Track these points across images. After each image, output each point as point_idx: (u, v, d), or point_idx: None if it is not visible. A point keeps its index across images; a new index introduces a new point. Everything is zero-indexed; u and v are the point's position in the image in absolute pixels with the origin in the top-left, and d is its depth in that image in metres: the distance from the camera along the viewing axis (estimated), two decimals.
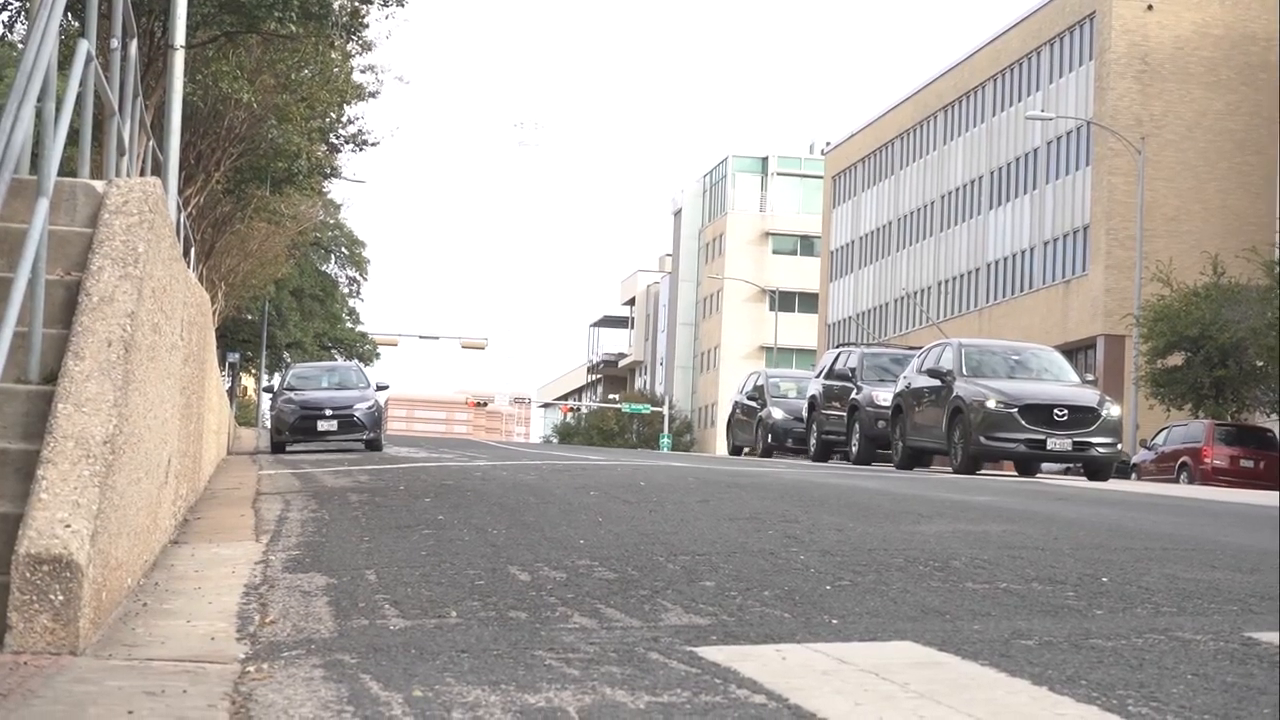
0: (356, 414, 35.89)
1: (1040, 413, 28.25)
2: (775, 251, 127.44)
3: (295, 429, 35.95)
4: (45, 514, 6.52)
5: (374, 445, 35.37)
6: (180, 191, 26.52)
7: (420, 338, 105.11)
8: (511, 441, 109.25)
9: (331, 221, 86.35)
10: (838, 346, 41.39)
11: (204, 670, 6.18)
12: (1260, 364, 49.36)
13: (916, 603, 7.98)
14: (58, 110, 8.68)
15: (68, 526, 6.46)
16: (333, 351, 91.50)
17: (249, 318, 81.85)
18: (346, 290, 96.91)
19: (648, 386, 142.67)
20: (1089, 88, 73.85)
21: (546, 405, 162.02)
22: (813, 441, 37.74)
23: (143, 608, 7.79)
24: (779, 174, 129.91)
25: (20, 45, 27.32)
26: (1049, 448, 28.35)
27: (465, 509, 13.27)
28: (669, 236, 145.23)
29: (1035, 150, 79.50)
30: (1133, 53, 71.64)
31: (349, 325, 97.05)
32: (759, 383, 44.17)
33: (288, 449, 35.64)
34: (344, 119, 42.30)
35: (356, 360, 79.52)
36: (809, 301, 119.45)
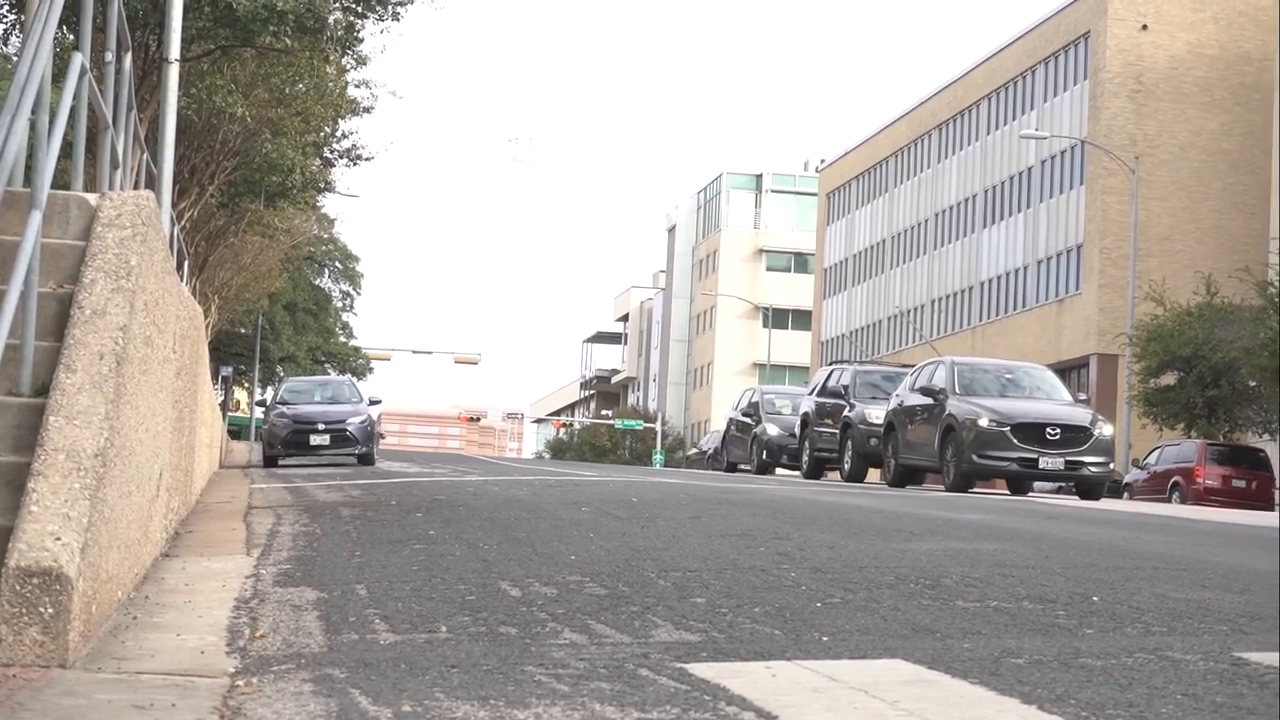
0: (349, 428, 35.91)
1: (1032, 431, 28.28)
2: (769, 268, 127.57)
3: (288, 443, 35.97)
4: (35, 526, 6.51)
5: (366, 459, 35.38)
6: (174, 205, 26.51)
7: (413, 352, 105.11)
8: (504, 457, 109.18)
9: (325, 236, 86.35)
10: (831, 364, 41.40)
11: (193, 684, 6.17)
12: (1253, 384, 49.39)
13: (907, 620, 7.98)
14: (51, 123, 8.68)
15: (58, 539, 6.45)
16: (326, 366, 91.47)
17: (242, 331, 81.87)
18: (340, 304, 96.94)
19: (641, 402, 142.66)
20: (1083, 107, 73.96)
21: (539, 420, 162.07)
22: (805, 459, 37.74)
23: (133, 621, 7.78)
24: (773, 191, 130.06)
25: (14, 57, 27.33)
26: (1041, 466, 28.37)
27: (457, 524, 13.26)
28: (663, 253, 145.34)
29: (1029, 169, 79.59)
30: (1127, 72, 71.77)
31: (342, 339, 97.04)
32: (754, 399, 44.18)
33: (280, 463, 35.64)
34: (338, 133, 42.28)
35: (349, 375, 79.55)
36: (802, 318, 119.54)
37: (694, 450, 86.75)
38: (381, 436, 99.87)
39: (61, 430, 7.17)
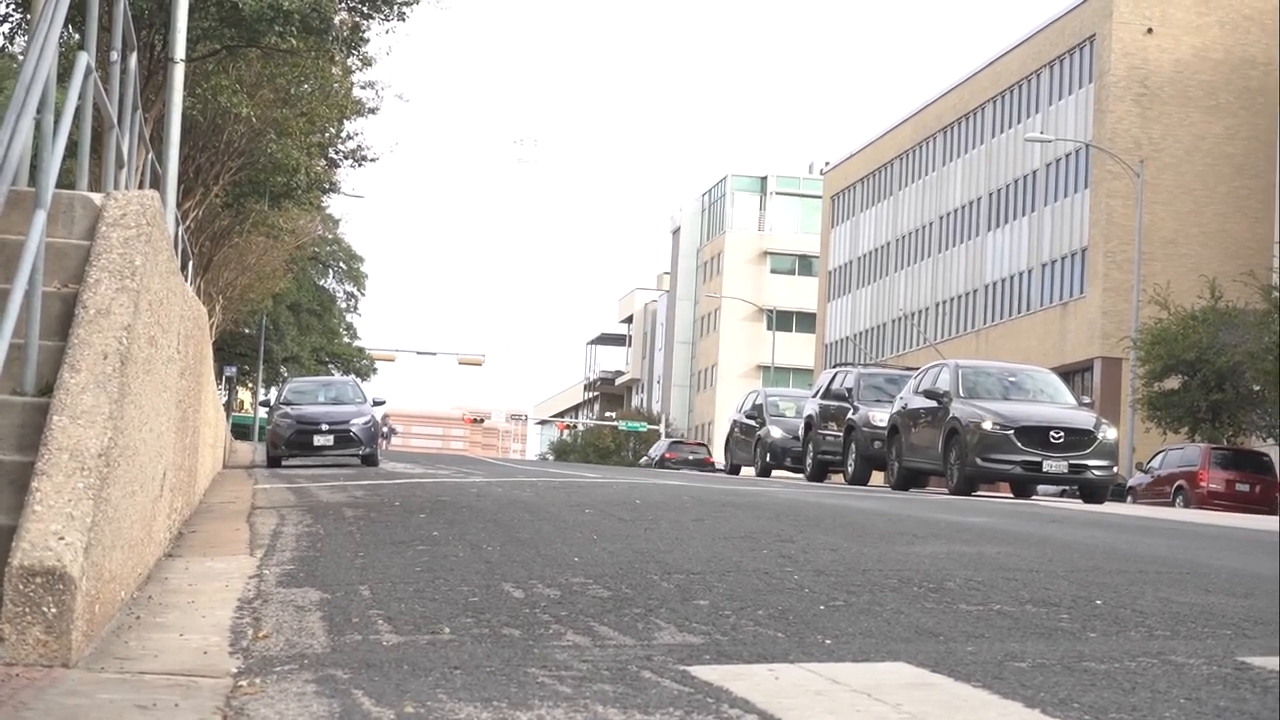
0: (353, 429, 35.91)
1: (1036, 435, 28.27)
2: (773, 271, 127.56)
3: (291, 443, 35.96)
4: (39, 526, 6.52)
5: (370, 460, 35.37)
6: (179, 205, 26.53)
7: (418, 354, 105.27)
8: (508, 458, 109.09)
9: (330, 236, 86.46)
10: (835, 366, 41.43)
11: (196, 684, 6.17)
12: (1257, 388, 49.37)
13: (910, 624, 7.97)
14: (57, 122, 8.68)
15: (61, 539, 6.45)
16: (330, 366, 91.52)
17: (246, 332, 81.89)
18: (344, 305, 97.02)
19: (644, 404, 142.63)
20: (1088, 110, 73.94)
21: (543, 422, 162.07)
22: (808, 461, 37.74)
23: (136, 621, 7.78)
24: (778, 193, 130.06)
25: (20, 57, 27.33)
26: (1045, 470, 28.37)
27: (460, 525, 13.26)
28: (667, 255, 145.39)
29: (1034, 172, 79.57)
30: (1132, 76, 71.74)
31: (346, 340, 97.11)
32: (758, 401, 44.18)
33: (284, 463, 35.64)
34: (343, 134, 42.33)
35: (353, 375, 79.55)
36: (806, 321, 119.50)
37: (644, 459, 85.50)
38: (394, 432, 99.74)
39: (65, 430, 7.17)
